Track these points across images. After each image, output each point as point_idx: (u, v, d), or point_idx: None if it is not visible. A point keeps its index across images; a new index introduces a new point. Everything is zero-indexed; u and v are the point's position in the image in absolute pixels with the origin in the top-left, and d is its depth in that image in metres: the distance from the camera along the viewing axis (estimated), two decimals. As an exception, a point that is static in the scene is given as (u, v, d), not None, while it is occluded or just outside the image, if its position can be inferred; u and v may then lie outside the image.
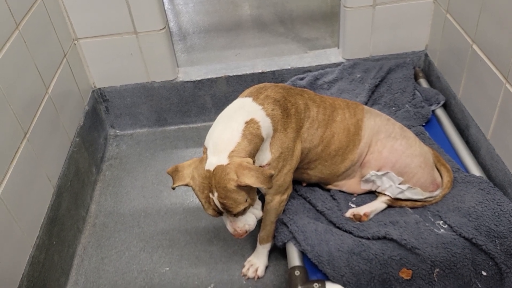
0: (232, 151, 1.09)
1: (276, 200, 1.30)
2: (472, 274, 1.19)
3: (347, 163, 1.35)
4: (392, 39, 1.91)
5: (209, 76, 1.97)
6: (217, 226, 1.61)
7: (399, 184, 1.33)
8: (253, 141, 1.13)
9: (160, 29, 1.82)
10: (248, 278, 1.43)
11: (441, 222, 1.28)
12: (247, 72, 1.96)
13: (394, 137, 1.34)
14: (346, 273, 1.21)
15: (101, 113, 2.03)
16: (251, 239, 1.53)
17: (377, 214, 1.35)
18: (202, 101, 2.02)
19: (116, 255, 1.56)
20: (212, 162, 1.09)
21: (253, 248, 1.49)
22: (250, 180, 1.05)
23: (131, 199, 1.76)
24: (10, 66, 1.32)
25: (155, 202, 1.74)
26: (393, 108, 1.75)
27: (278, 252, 1.47)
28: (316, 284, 1.22)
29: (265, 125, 1.17)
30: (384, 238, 1.25)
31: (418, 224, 1.27)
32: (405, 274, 1.19)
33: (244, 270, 1.44)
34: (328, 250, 1.25)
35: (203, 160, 1.11)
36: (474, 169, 1.46)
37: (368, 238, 1.27)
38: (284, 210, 1.38)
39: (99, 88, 1.97)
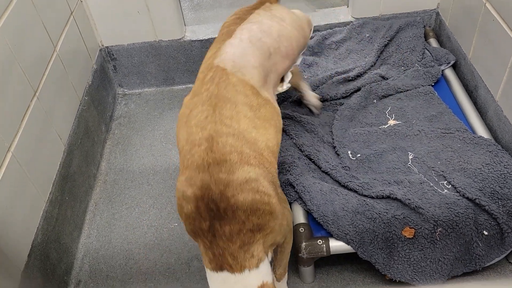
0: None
1: (288, 238, 1.18)
2: (474, 233, 1.21)
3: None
4: (403, -3, 1.87)
5: (217, 35, 1.94)
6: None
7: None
8: None
9: (167, -14, 1.79)
10: None
11: (445, 183, 1.30)
12: (255, 31, 1.93)
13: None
14: (350, 231, 1.24)
15: (109, 72, 2.03)
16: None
17: (382, 172, 1.36)
18: (209, 60, 2.01)
19: (127, 211, 1.61)
20: None
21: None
22: None
23: (140, 157, 1.79)
24: (18, 25, 1.31)
25: (164, 160, 1.77)
26: (402, 68, 1.73)
27: (284, 210, 1.51)
28: (320, 241, 1.25)
29: None
30: (388, 197, 1.27)
31: (422, 184, 1.29)
32: (408, 232, 1.22)
33: None
34: (333, 209, 1.27)
35: None
36: (481, 131, 1.46)
37: (372, 197, 1.29)
38: (290, 171, 1.40)
39: (107, 47, 1.96)
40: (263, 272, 0.96)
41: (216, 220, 0.92)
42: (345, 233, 1.24)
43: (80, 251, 1.51)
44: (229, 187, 0.93)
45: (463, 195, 1.25)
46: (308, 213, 1.33)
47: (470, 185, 1.26)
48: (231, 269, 0.94)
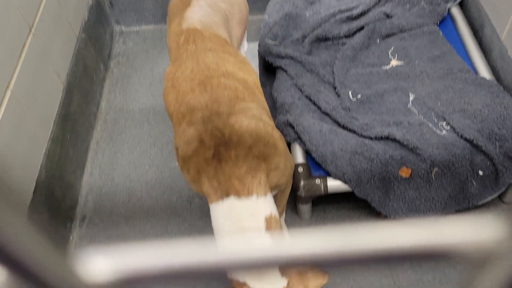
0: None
1: (289, 182, 1.17)
2: (469, 173, 1.23)
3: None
4: None
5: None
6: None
7: None
8: (278, 223, 0.94)
9: None
10: None
11: (444, 124, 1.30)
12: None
13: None
14: (348, 171, 1.26)
15: (105, 8, 1.97)
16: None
17: (381, 113, 1.36)
18: (209, -4, 1.95)
19: (128, 149, 1.63)
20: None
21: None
22: (322, 280, 0.92)
23: (139, 97, 1.79)
24: (8, -44, 1.26)
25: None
26: (407, 5, 1.68)
27: (283, 150, 1.52)
28: (318, 180, 1.28)
29: None
30: (387, 138, 1.28)
31: (421, 126, 1.30)
32: (404, 172, 1.24)
33: None
34: (332, 150, 1.29)
35: None
36: (484, 71, 1.45)
37: (371, 138, 1.30)
38: (289, 111, 1.40)
39: (102, -19, 1.89)
40: (271, 203, 0.92)
41: (221, 146, 0.91)
42: (343, 173, 1.26)
43: (84, 188, 1.54)
44: (232, 116, 0.94)
45: (461, 136, 1.26)
46: (307, 153, 1.34)
47: (468, 126, 1.27)
48: (238, 193, 0.88)
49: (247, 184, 0.90)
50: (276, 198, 1.18)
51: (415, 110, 1.36)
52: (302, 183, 1.28)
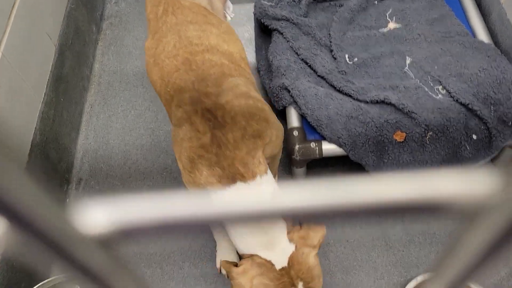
0: (291, 234, 0.93)
1: (280, 149, 1.14)
2: (463, 137, 1.24)
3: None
4: None
5: None
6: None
7: None
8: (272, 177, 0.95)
9: None
10: None
11: (440, 88, 1.30)
12: None
13: None
14: (343, 135, 1.26)
15: (97, -33, 1.91)
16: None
17: (378, 77, 1.36)
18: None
19: (123, 113, 1.62)
20: (280, 259, 0.91)
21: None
22: (321, 233, 0.94)
23: (133, 59, 1.76)
24: None
25: (158, 63, 1.74)
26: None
27: (278, 115, 1.52)
28: (313, 143, 1.29)
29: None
30: (383, 102, 1.28)
31: (417, 90, 1.29)
32: (399, 136, 1.25)
33: None
34: (327, 114, 1.29)
35: (264, 265, 0.90)
36: (482, 34, 1.43)
37: (366, 102, 1.30)
38: (285, 75, 1.39)
39: None
40: (272, 179, 0.94)
41: (216, 129, 0.89)
42: (338, 137, 1.27)
43: (79, 151, 1.55)
44: (221, 95, 0.91)
45: (457, 100, 1.26)
46: (302, 117, 1.34)
47: (464, 90, 1.26)
48: (244, 178, 0.88)
49: (250, 167, 0.89)
50: (268, 165, 1.18)
51: (411, 74, 1.35)
52: (297, 146, 1.28)
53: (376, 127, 1.24)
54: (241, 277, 0.89)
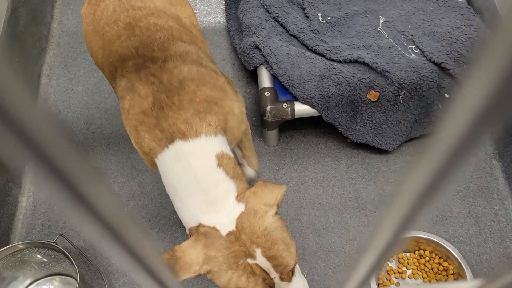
0: (242, 194, 0.80)
1: (248, 130, 1.04)
2: (436, 96, 1.23)
3: None
4: None
5: None
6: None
7: None
8: (232, 160, 0.83)
9: None
10: None
11: (413, 47, 1.28)
12: None
13: None
14: (315, 95, 1.23)
15: None
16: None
17: (351, 37, 1.33)
18: None
19: (85, 75, 1.53)
20: (226, 221, 0.77)
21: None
22: (279, 190, 0.80)
23: (95, 19, 1.66)
24: None
25: (122, 23, 1.65)
26: None
27: (249, 77, 1.47)
28: (285, 104, 1.25)
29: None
30: (356, 61, 1.25)
31: (390, 49, 1.27)
32: (372, 96, 1.22)
33: None
34: (300, 73, 1.25)
35: (209, 233, 0.77)
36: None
37: (340, 62, 1.27)
38: (256, 33, 1.33)
39: None
40: (223, 142, 0.82)
41: (160, 93, 0.80)
42: (310, 97, 1.23)
43: (38, 116, 1.45)
44: (169, 61, 0.82)
45: (430, 59, 1.24)
46: (274, 77, 1.30)
47: (437, 49, 1.25)
48: (184, 136, 0.78)
49: (194, 126, 0.78)
50: (243, 151, 1.09)
51: (385, 33, 1.32)
52: (268, 107, 1.24)
53: (350, 86, 1.21)
54: (186, 255, 0.74)
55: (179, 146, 0.78)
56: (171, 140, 0.78)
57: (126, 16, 0.88)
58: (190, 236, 0.80)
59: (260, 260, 0.74)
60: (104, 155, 1.38)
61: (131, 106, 0.82)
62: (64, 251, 1.02)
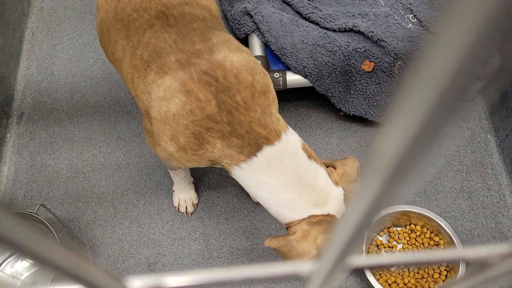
0: (332, 177, 0.83)
1: None
2: (432, 68, 1.19)
3: None
4: None
5: None
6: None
7: None
8: (307, 145, 0.85)
9: None
10: None
11: (411, 16, 1.23)
12: None
13: None
14: (308, 64, 1.19)
15: None
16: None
17: (346, 5, 1.27)
18: None
19: (69, 41, 1.47)
20: (338, 206, 0.82)
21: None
22: (355, 163, 0.87)
23: (80, -17, 1.59)
24: None
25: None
26: None
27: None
28: (277, 74, 1.20)
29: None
30: (351, 30, 1.20)
31: (387, 18, 1.22)
32: (367, 66, 1.18)
33: None
34: (292, 42, 1.20)
35: (325, 220, 0.80)
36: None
37: (334, 30, 1.22)
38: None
39: None
40: (293, 131, 0.82)
41: (221, 93, 0.75)
42: (303, 66, 1.19)
43: (20, 83, 1.40)
44: (214, 52, 0.76)
45: (427, 29, 1.19)
46: (266, 45, 1.25)
47: (435, 18, 1.20)
48: (269, 141, 0.76)
49: (271, 126, 0.77)
50: None
51: (381, 1, 1.27)
52: (259, 77, 1.20)
53: (344, 56, 1.17)
54: (303, 242, 0.78)
55: (268, 152, 0.77)
56: (258, 147, 0.77)
57: (157, 3, 0.81)
58: (287, 228, 0.83)
59: None
60: (89, 125, 1.33)
61: (188, 111, 0.75)
62: (45, 222, 0.99)
